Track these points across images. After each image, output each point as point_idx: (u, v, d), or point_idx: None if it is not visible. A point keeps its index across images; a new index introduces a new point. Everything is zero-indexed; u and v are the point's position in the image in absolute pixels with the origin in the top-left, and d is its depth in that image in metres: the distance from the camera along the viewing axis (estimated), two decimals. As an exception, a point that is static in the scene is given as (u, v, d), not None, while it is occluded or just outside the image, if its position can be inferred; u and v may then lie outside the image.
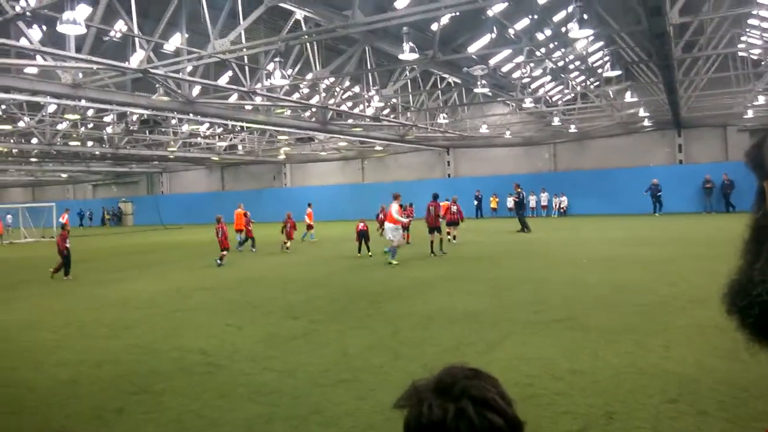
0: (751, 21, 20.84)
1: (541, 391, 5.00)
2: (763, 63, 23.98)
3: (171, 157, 34.62)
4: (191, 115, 20.96)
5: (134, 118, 24.88)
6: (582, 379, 5.31)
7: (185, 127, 29.14)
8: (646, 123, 30.31)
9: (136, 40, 12.90)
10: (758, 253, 0.60)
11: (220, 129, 30.06)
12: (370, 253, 16.54)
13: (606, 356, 5.99)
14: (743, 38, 22.32)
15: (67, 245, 14.61)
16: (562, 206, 34.14)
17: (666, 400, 4.71)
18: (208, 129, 31.35)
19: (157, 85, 16.26)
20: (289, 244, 19.62)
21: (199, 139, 33.16)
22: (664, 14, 10.36)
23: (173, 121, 27.04)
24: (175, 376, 5.86)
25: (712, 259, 12.49)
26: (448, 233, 19.36)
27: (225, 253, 16.39)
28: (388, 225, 15.45)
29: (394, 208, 15.39)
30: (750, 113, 28.44)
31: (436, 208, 16.97)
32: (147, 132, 28.43)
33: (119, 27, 14.28)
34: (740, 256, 0.63)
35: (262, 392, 5.26)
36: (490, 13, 15.42)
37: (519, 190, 23.81)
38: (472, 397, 0.90)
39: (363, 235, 16.65)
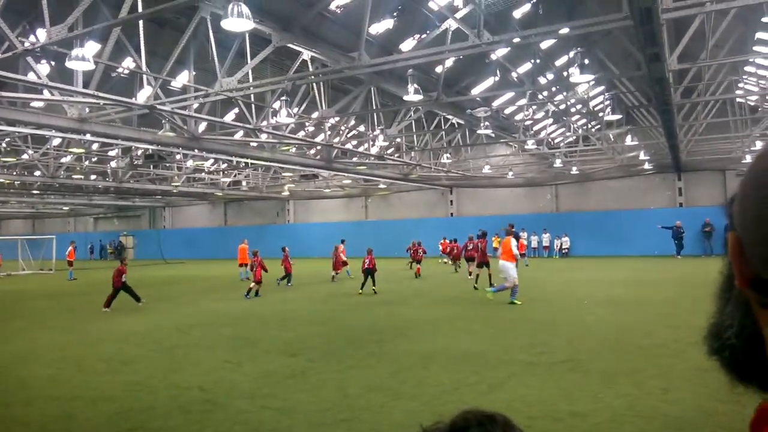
0: (747, 68, 21.27)
1: (540, 434, 4.95)
2: (759, 109, 24.35)
3: (174, 191, 34.85)
4: (196, 150, 21.19)
5: (139, 152, 25.16)
6: (582, 421, 5.26)
7: (190, 163, 29.43)
8: (647, 166, 30.57)
9: (144, 76, 13.17)
10: (727, 299, 0.64)
11: (225, 165, 30.36)
12: (374, 288, 16.56)
13: (606, 398, 5.95)
14: (740, 84, 22.73)
15: (123, 280, 14.81)
16: (563, 247, 34.12)
17: (665, 443, 4.66)
18: (213, 164, 31.66)
19: (163, 121, 16.52)
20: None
21: (203, 174, 33.44)
22: (663, 60, 10.59)
23: (178, 156, 27.31)
24: (172, 413, 5.79)
25: (712, 302, 12.42)
26: (469, 270, 20.39)
27: (256, 286, 16.67)
28: (505, 264, 13.46)
29: (513, 243, 13.71)
30: (748, 158, 28.63)
31: (483, 244, 18.07)
32: (151, 166, 28.69)
33: (127, 63, 14.59)
34: (715, 300, 0.67)
35: (259, 431, 5.20)
36: (493, 56, 15.77)
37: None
38: None
39: (369, 273, 16.61)
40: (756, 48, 17.89)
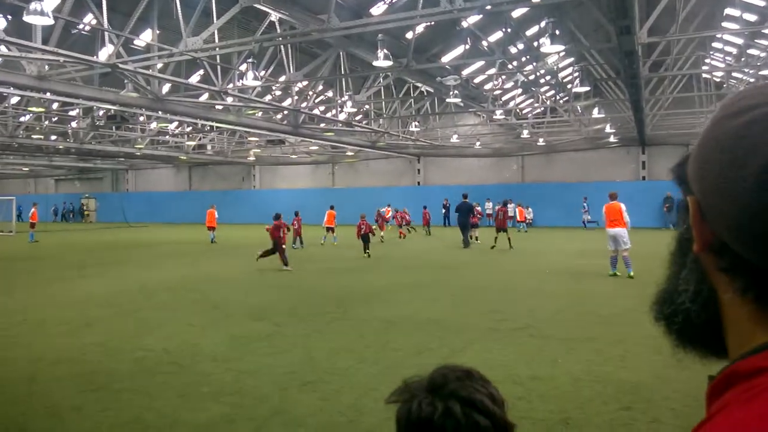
0: (715, 44, 21.62)
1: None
2: (725, 85, 24.88)
3: (138, 154, 33.97)
4: (160, 112, 20.63)
5: (101, 113, 24.37)
6: (541, 384, 5.43)
7: (153, 125, 28.67)
8: (612, 139, 31.10)
9: (106, 34, 12.68)
10: (683, 264, 0.64)
11: (189, 128, 29.66)
12: (367, 253, 17.31)
13: (565, 364, 6.14)
14: (707, 60, 23.14)
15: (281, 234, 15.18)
16: (528, 218, 34.65)
17: (621, 407, 4.85)
18: (177, 127, 30.91)
19: (125, 81, 16.00)
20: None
21: (167, 137, 32.63)
22: (633, 33, 10.68)
23: (141, 118, 26.55)
24: (135, 375, 5.77)
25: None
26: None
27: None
28: (620, 231, 12.59)
29: (624, 207, 12.83)
30: (711, 133, 29.34)
31: (504, 212, 20.10)
32: (113, 128, 27.84)
33: (88, 20, 14.02)
34: (667, 266, 0.68)
35: (224, 392, 5.23)
36: (464, 24, 15.66)
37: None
38: (460, 397, 0.95)
39: (365, 238, 17.38)
40: (724, 24, 18.16)
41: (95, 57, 13.30)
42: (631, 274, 12.40)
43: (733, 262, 0.56)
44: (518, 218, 31.46)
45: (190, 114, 20.25)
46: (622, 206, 12.84)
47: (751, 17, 16.22)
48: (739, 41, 19.17)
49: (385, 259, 17.10)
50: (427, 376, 0.99)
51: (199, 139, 34.78)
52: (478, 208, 24.91)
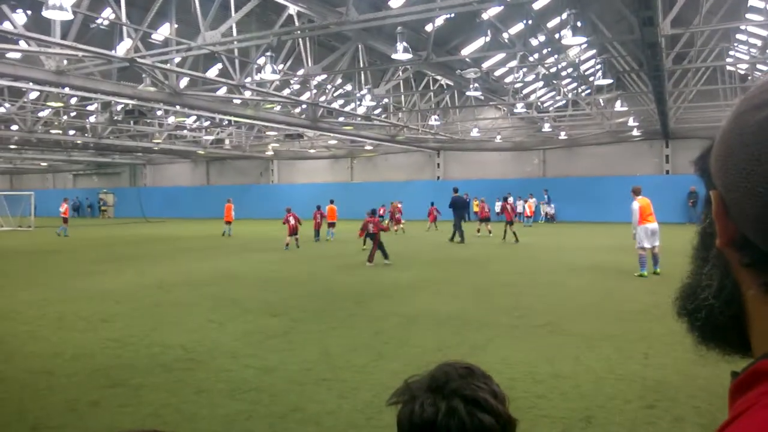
0: (739, 36, 21.10)
1: (522, 395, 4.98)
2: (749, 78, 24.29)
3: (155, 148, 34.27)
4: (178, 106, 20.70)
5: (119, 107, 24.56)
6: (563, 383, 5.31)
7: (171, 119, 28.84)
8: (635, 132, 30.58)
9: (124, 28, 12.70)
10: (706, 258, 0.63)
11: (207, 122, 29.80)
12: (364, 247, 16.84)
13: (587, 361, 6.01)
14: (731, 52, 22.60)
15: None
16: (549, 213, 34.30)
17: (644, 405, 4.73)
18: (195, 122, 31.07)
19: (143, 75, 16.05)
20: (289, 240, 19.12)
21: (185, 131, 32.83)
22: (656, 25, 10.41)
23: (159, 112, 26.73)
24: (153, 370, 5.75)
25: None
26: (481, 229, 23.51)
27: (290, 239, 18.62)
28: (657, 225, 12.21)
29: (637, 204, 12.40)
30: (736, 126, 28.76)
31: (511, 206, 21.26)
32: (131, 122, 28.08)
33: (106, 14, 14.07)
34: (690, 261, 0.66)
35: (241, 389, 5.17)
36: (485, 16, 15.43)
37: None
38: (463, 396, 0.91)
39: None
40: (748, 15, 17.69)
41: (113, 51, 13.35)
42: (658, 270, 12.01)
43: (757, 258, 0.54)
44: (526, 213, 31.30)
45: (207, 108, 20.30)
46: (639, 202, 12.34)
47: (778, 7, 15.77)
48: (764, 33, 18.68)
49: (402, 254, 16.99)
50: (428, 375, 0.95)
51: (217, 134, 34.95)
52: (486, 204, 24.52)
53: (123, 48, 13.38)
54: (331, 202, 24.24)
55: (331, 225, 23.54)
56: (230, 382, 5.38)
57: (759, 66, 22.69)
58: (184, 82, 17.53)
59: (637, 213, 12.13)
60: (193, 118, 29.42)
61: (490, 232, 22.92)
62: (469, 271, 13.31)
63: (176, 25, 13.20)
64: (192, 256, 16.93)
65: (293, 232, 18.88)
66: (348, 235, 23.90)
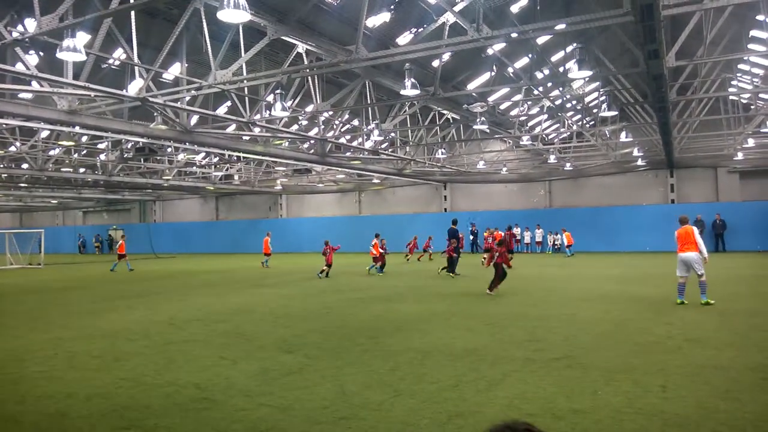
0: (741, 66, 21.33)
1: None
2: (752, 107, 24.45)
3: (165, 185, 34.58)
4: (188, 144, 20.99)
5: (129, 145, 24.91)
6: (583, 418, 5.22)
7: (181, 156, 29.19)
8: (640, 162, 30.69)
9: (135, 68, 12.99)
10: None
11: (217, 158, 30.14)
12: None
13: (605, 395, 5.91)
14: (734, 82, 22.83)
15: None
16: (556, 243, 34.20)
17: (665, 441, 4.63)
18: (204, 158, 31.42)
19: (155, 114, 16.33)
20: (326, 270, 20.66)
21: (194, 167, 33.18)
22: (661, 57, 10.56)
23: (169, 150, 27.08)
24: (168, 411, 5.69)
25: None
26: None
27: (327, 268, 20.20)
28: (692, 255, 11.91)
29: (696, 230, 12.27)
30: (740, 155, 28.87)
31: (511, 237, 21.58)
32: (142, 159, 28.43)
33: (118, 55, 14.38)
34: None
35: (258, 429, 5.11)
36: (490, 51, 15.70)
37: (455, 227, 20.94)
38: None
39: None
40: (750, 46, 17.92)
41: (125, 91, 13.63)
42: (705, 300, 11.78)
43: None
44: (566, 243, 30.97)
45: (217, 145, 20.56)
46: (695, 229, 12.23)
47: (779, 38, 16.01)
48: (766, 62, 18.88)
49: (415, 287, 16.92)
50: None
51: (226, 170, 35.30)
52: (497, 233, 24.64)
53: (134, 87, 13.68)
54: (376, 236, 23.98)
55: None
56: (247, 422, 5.32)
57: (762, 95, 22.85)
58: (194, 120, 17.81)
59: (676, 241, 12.28)
60: (203, 154, 29.77)
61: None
62: (480, 303, 13.22)
63: (186, 65, 13.48)
64: (202, 292, 16.91)
65: (329, 263, 20.61)
66: (356, 268, 23.86)
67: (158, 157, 28.58)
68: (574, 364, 7.25)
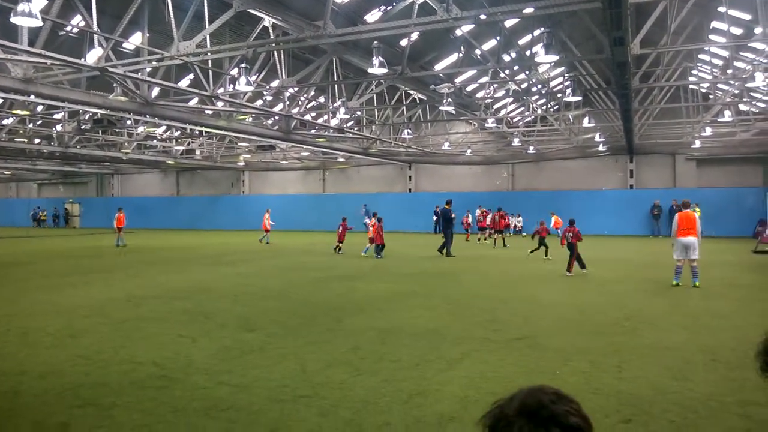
0: (702, 56, 21.85)
1: (501, 411, 5.00)
2: (711, 96, 25.14)
3: (124, 158, 33.64)
4: (148, 116, 20.40)
5: (87, 116, 24.07)
6: (543, 399, 5.34)
7: (141, 129, 28.38)
8: (601, 148, 31.30)
9: (95, 36, 12.49)
10: None
11: (178, 132, 29.42)
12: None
13: (563, 375, 6.07)
14: (694, 72, 23.38)
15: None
16: (517, 226, 34.73)
17: (621, 420, 4.78)
18: (165, 132, 30.63)
19: (114, 85, 15.79)
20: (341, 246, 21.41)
21: (154, 141, 32.33)
22: (626, 44, 10.71)
23: (128, 122, 26.28)
24: (125, 389, 5.59)
25: (658, 282, 12.97)
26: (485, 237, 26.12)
27: (340, 244, 21.12)
28: (693, 240, 12.09)
29: (698, 216, 12.63)
30: (697, 143, 29.72)
31: (500, 217, 24.62)
32: (100, 132, 27.52)
33: (76, 22, 13.82)
34: None
35: (218, 407, 5.07)
36: (458, 32, 15.65)
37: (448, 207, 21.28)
38: (560, 423, 0.92)
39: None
40: (711, 36, 18.35)
41: (83, 60, 13.10)
42: (697, 284, 12.08)
43: None
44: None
45: (179, 118, 20.05)
46: (696, 215, 12.45)
47: (737, 31, 16.42)
48: (725, 54, 19.39)
49: (378, 267, 16.98)
50: (519, 400, 0.95)
51: (188, 144, 34.52)
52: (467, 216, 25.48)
53: (93, 56, 13.14)
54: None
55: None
56: (206, 400, 5.27)
57: (720, 85, 23.50)
58: (155, 92, 17.28)
59: (675, 225, 12.43)
60: (164, 127, 29.00)
61: (486, 239, 25.73)
62: (444, 283, 13.36)
63: (148, 35, 13.04)
64: (162, 269, 16.61)
65: (342, 238, 21.43)
66: (320, 247, 23.76)
67: (117, 130, 27.68)
68: (533, 344, 7.41)
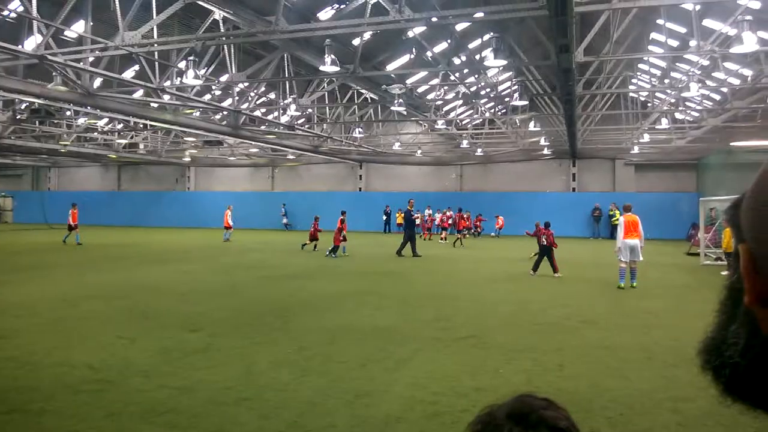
0: (641, 65, 22.76)
1: (446, 409, 5.06)
2: (649, 104, 26.21)
3: (62, 151, 32.17)
4: (90, 108, 19.58)
5: (23, 106, 22.90)
6: (485, 396, 5.41)
7: (81, 120, 27.23)
8: (546, 151, 32.14)
9: (34, 22, 11.89)
10: (733, 315, 0.60)
11: (121, 125, 28.38)
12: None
13: (506, 374, 6.19)
14: (634, 80, 24.31)
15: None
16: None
17: (561, 417, 4.90)
18: (107, 124, 29.51)
19: (54, 74, 15.08)
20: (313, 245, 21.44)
21: (96, 134, 31.08)
22: (571, 52, 11.02)
23: (68, 113, 25.16)
24: (57, 393, 5.33)
25: (599, 282, 13.44)
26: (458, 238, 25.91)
27: (311, 243, 21.18)
28: (638, 242, 12.51)
29: (623, 220, 12.86)
30: (636, 149, 30.95)
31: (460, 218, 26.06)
32: (37, 122, 26.23)
33: (14, 6, 13.15)
34: (716, 315, 0.63)
35: (157, 411, 4.91)
36: (410, 34, 15.72)
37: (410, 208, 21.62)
38: (549, 426, 0.91)
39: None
40: (650, 47, 19.12)
41: (21, 46, 12.46)
42: (635, 284, 12.51)
43: None
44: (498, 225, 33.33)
45: (122, 111, 19.33)
46: (638, 218, 12.73)
47: (674, 43, 17.18)
48: (663, 64, 20.26)
49: (329, 266, 16.88)
50: (508, 404, 0.95)
51: (131, 138, 33.34)
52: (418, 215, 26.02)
53: (32, 43, 12.51)
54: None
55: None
56: (144, 404, 5.09)
57: (658, 94, 24.52)
58: (97, 82, 16.61)
59: (622, 228, 12.70)
60: (106, 120, 27.93)
61: (446, 239, 26.59)
62: (395, 283, 13.41)
63: (92, 23, 12.51)
64: (103, 267, 15.99)
65: (315, 236, 21.45)
66: (268, 246, 23.45)
67: (56, 121, 26.43)
68: (478, 343, 7.53)
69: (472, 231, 31.77)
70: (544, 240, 15.14)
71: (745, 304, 0.56)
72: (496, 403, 0.96)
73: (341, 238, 19.65)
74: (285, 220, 38.15)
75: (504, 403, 0.96)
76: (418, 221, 32.08)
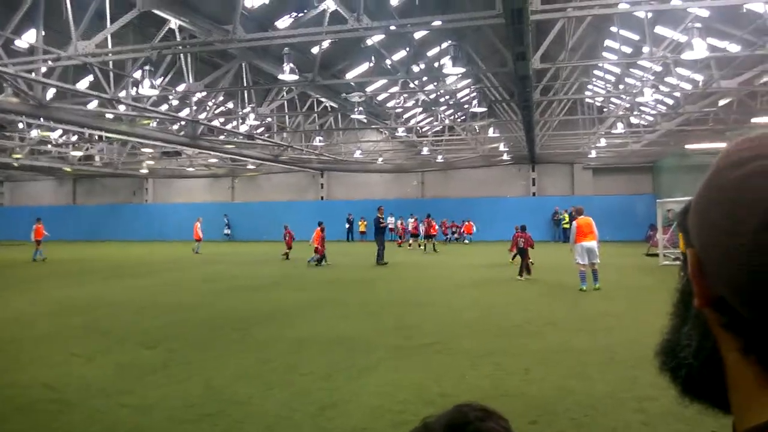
0: (596, 72, 23.40)
1: (412, 418, 5.04)
2: (605, 110, 26.95)
3: (15, 164, 31.08)
4: (43, 119, 19.01)
5: (-29, 118, 22.06)
6: (451, 402, 5.18)
7: (34, 133, 26.37)
8: (506, 157, 32.72)
9: (-18, 32, 11.49)
10: (685, 318, 0.62)
11: (75, 137, 27.61)
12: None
13: (472, 379, 6.22)
14: (590, 87, 24.98)
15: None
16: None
17: (527, 421, 4.93)
18: (61, 136, 28.66)
19: (4, 85, 14.60)
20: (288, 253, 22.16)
21: (49, 146, 30.14)
22: (528, 59, 11.25)
23: (20, 125, 24.35)
24: (10, 416, 5.11)
25: (560, 285, 13.68)
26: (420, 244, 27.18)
27: (287, 252, 22.12)
28: (594, 244, 12.64)
29: (575, 224, 13.11)
30: (593, 153, 31.76)
31: (429, 224, 26.21)
32: (-14, 135, 25.30)
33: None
34: (670, 317, 0.65)
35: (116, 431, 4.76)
36: (369, 42, 15.80)
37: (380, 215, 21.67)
38: None
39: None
40: (605, 54, 19.69)
41: (-33, 57, 12.01)
42: (598, 286, 12.60)
43: (735, 320, 0.53)
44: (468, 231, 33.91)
45: (77, 122, 18.82)
46: (592, 220, 12.86)
47: (628, 49, 17.74)
48: (617, 70, 20.88)
49: (293, 275, 16.72)
50: (446, 416, 0.94)
51: (87, 150, 32.45)
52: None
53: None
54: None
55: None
56: (103, 424, 4.92)
57: (613, 99, 25.24)
58: (50, 93, 16.12)
59: (574, 232, 12.79)
60: (60, 131, 27.12)
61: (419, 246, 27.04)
62: (360, 291, 13.37)
63: (44, 33, 12.16)
64: (57, 283, 15.46)
65: (289, 245, 22.35)
66: (228, 257, 23.08)
67: (7, 133, 25.56)
68: (443, 349, 7.55)
69: (456, 236, 32.85)
70: (521, 243, 15.35)
71: (695, 306, 0.58)
72: (433, 414, 0.95)
73: (316, 248, 19.62)
74: (227, 231, 38.51)
75: (441, 414, 0.95)
76: (392, 226, 32.25)
